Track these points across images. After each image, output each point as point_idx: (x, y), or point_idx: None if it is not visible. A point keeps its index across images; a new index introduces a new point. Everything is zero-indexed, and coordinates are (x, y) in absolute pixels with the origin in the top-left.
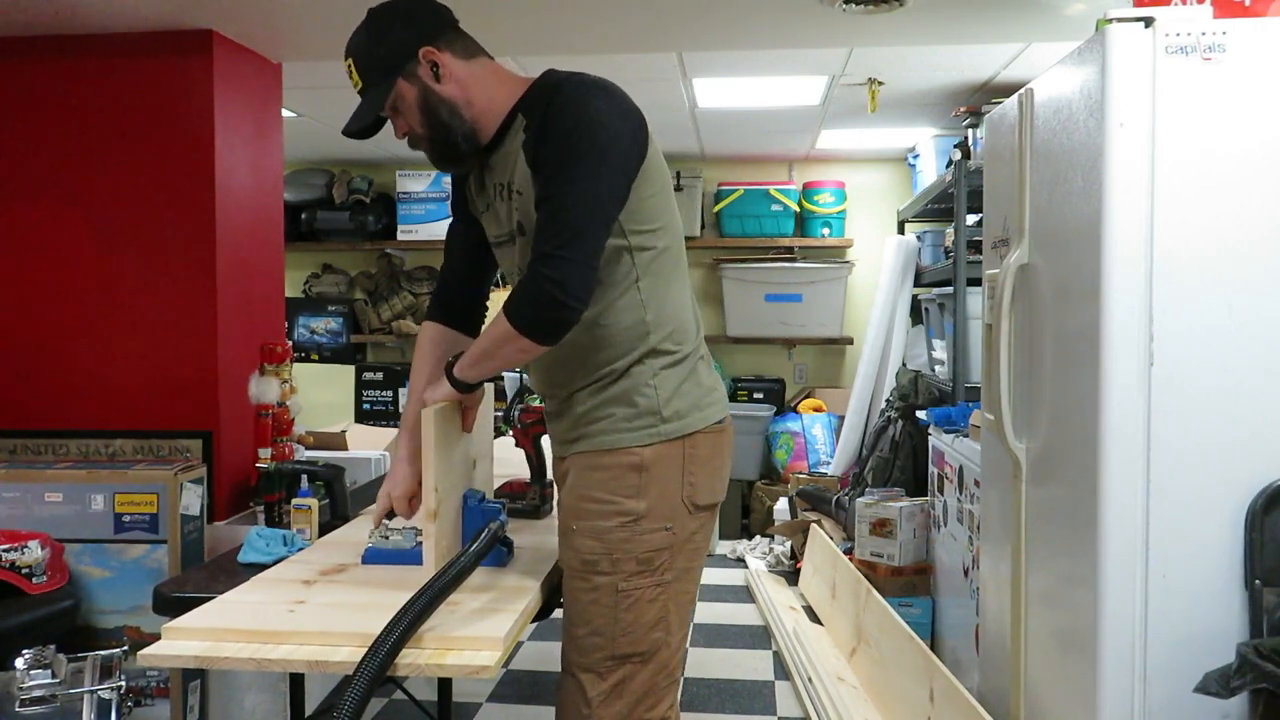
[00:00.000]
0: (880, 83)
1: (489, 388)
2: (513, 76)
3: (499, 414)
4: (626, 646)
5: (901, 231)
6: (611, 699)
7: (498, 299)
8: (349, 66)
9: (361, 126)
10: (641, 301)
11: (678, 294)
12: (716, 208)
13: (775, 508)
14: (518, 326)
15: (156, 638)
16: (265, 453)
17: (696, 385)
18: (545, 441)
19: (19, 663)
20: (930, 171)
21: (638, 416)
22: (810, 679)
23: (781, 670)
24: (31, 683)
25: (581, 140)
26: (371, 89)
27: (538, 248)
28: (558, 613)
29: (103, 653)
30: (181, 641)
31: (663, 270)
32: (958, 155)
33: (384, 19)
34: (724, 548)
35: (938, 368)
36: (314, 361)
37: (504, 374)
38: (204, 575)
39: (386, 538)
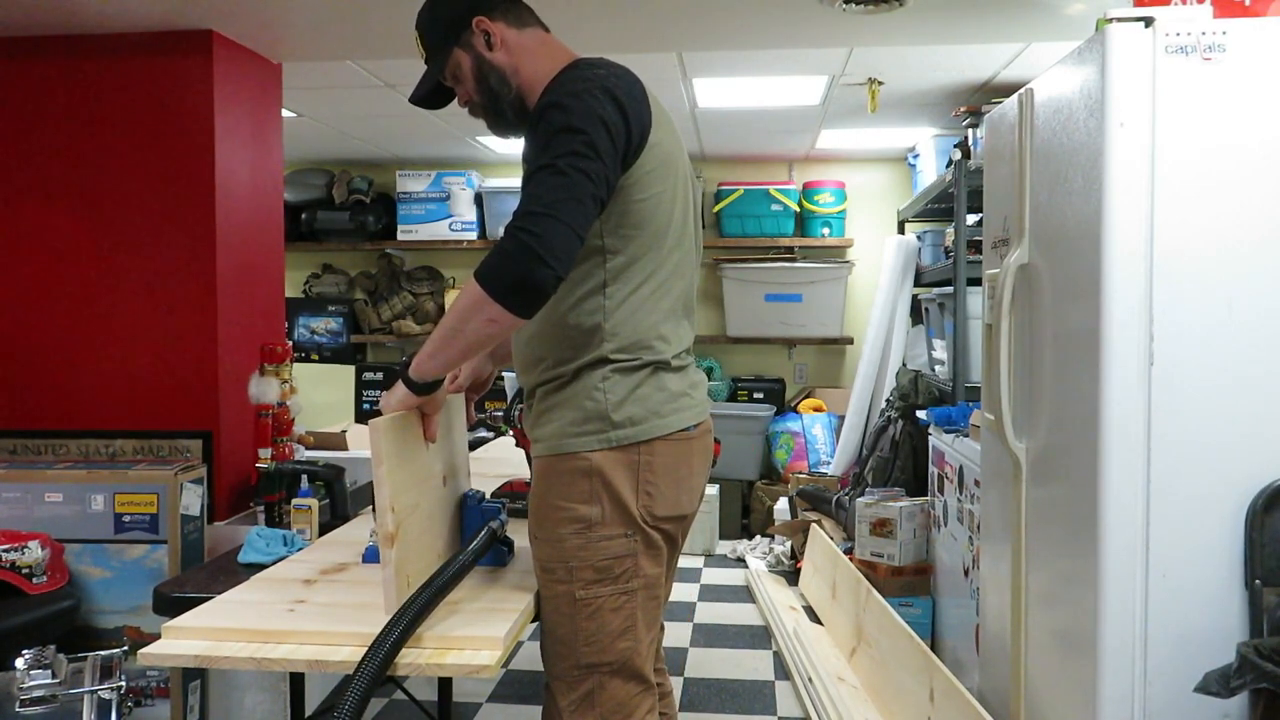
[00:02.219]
0: (880, 83)
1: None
2: (562, 51)
3: (498, 414)
4: (591, 656)
5: (901, 231)
6: (582, 710)
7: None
8: (416, 40)
9: (424, 94)
10: (603, 307)
11: (654, 305)
12: (716, 208)
13: (775, 508)
14: (490, 289)
15: (156, 638)
16: (265, 453)
17: (658, 390)
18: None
19: (19, 663)
20: (930, 171)
21: (586, 421)
22: (810, 679)
23: (781, 670)
24: (31, 683)
25: (573, 119)
26: (432, 59)
27: (521, 207)
28: (540, 605)
29: (103, 653)
30: (181, 641)
31: (636, 278)
32: (958, 155)
33: None
34: (724, 548)
35: (938, 368)
36: (314, 361)
37: (503, 373)
38: (204, 575)
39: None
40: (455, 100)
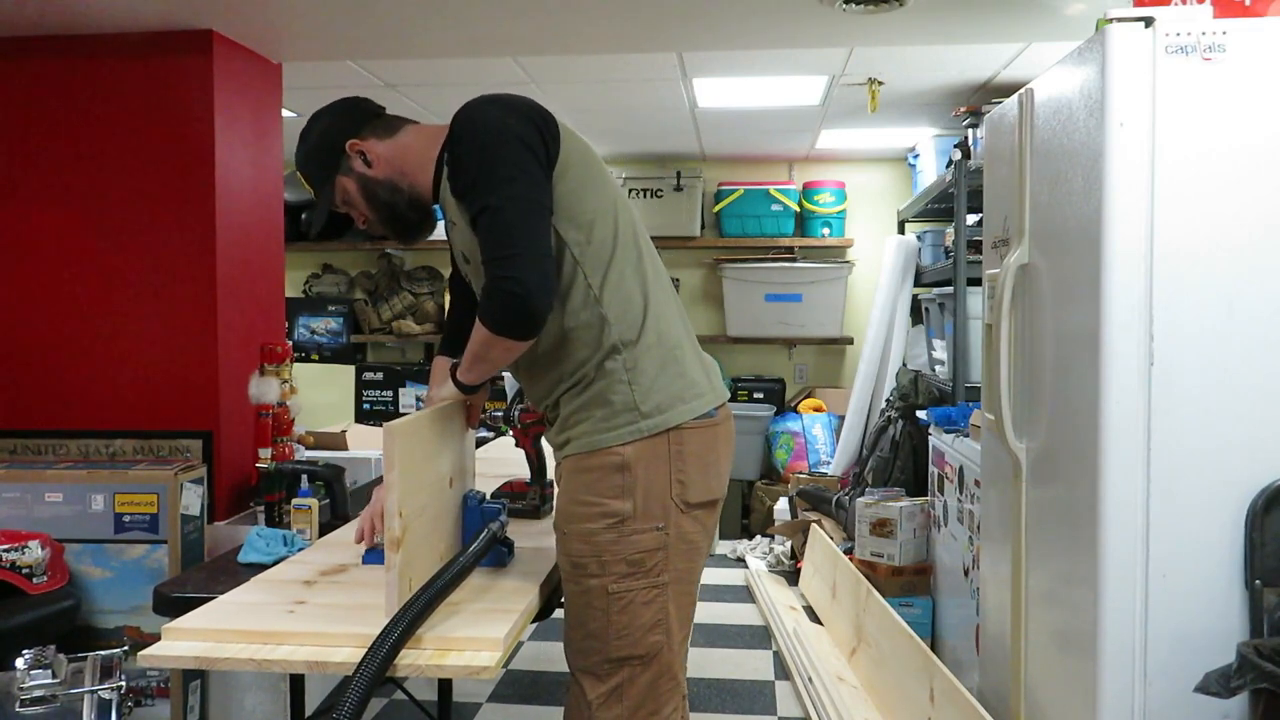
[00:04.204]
0: (880, 83)
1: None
2: (439, 129)
3: (498, 414)
4: (622, 649)
5: (901, 231)
6: (611, 702)
7: None
8: (299, 179)
9: (321, 227)
10: (595, 297)
11: (631, 282)
12: (716, 208)
13: (775, 508)
14: (491, 329)
15: (156, 638)
16: (265, 453)
17: (679, 378)
18: (545, 441)
19: (19, 663)
20: (930, 171)
21: (615, 415)
22: (810, 679)
23: (782, 670)
24: (31, 683)
25: (488, 147)
26: (319, 191)
27: (486, 255)
28: (558, 613)
29: (103, 653)
30: (181, 642)
31: (605, 261)
32: (958, 155)
33: (310, 129)
34: (724, 548)
35: (938, 368)
36: (314, 361)
37: (504, 374)
38: (204, 575)
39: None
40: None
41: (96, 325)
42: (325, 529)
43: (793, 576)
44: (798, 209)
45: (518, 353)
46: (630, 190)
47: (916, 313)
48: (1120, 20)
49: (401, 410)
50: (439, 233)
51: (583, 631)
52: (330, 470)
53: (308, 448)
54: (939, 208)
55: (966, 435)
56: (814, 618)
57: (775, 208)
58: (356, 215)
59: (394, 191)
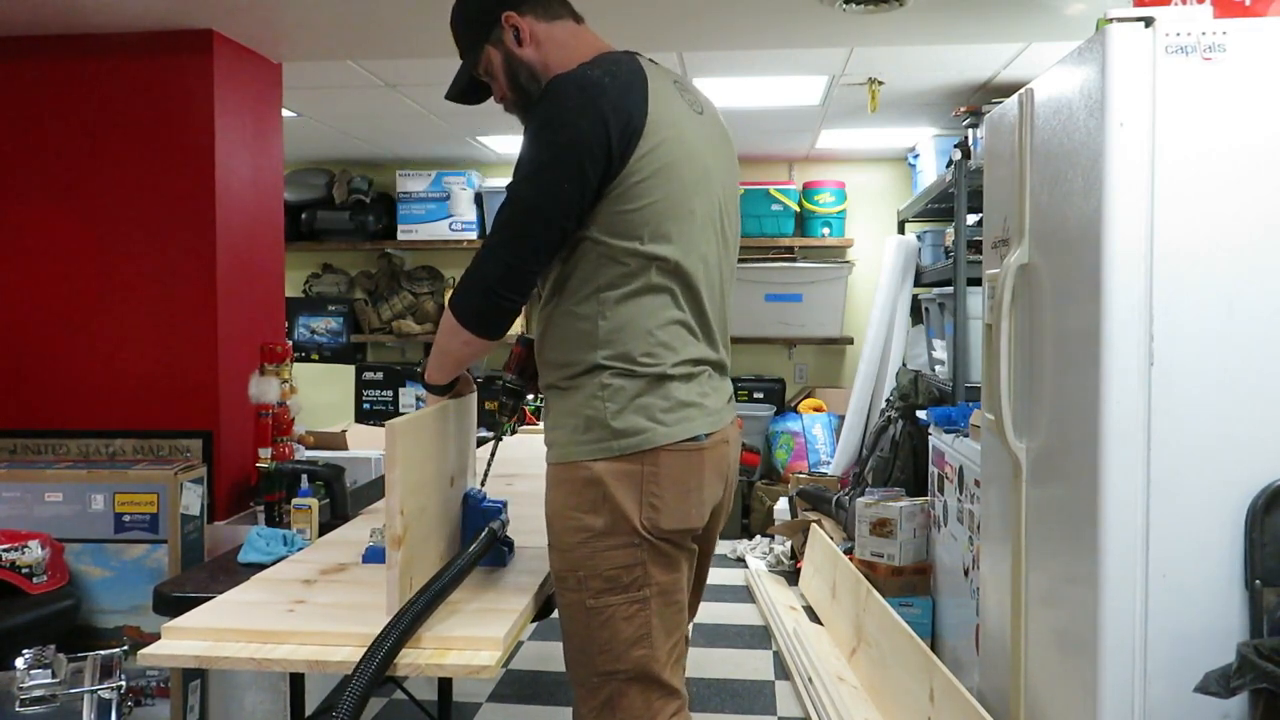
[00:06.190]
0: (880, 83)
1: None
2: (591, 44)
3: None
4: (607, 664)
5: (901, 231)
6: (604, 715)
7: None
8: (451, 36)
9: (459, 91)
10: (598, 311)
11: (652, 314)
12: None
13: (775, 507)
14: (455, 314)
15: (156, 638)
16: (265, 453)
17: (662, 399)
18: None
19: (19, 663)
20: (930, 171)
21: (587, 429)
22: (810, 679)
23: (781, 670)
24: (31, 683)
25: (545, 131)
26: (465, 55)
27: (486, 237)
28: (558, 612)
29: (103, 653)
30: (181, 641)
31: (627, 287)
32: (958, 155)
33: None
34: (724, 548)
35: (938, 368)
36: (314, 361)
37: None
38: (204, 575)
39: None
40: (492, 97)
41: (96, 325)
42: (325, 529)
43: (793, 576)
44: (798, 209)
45: (476, 354)
46: None
47: (916, 313)
48: (1120, 20)
49: (401, 410)
50: (435, 233)
51: (569, 645)
52: (330, 470)
53: (308, 447)
54: (939, 208)
55: (966, 435)
56: (814, 618)
57: (775, 208)
58: (495, 90)
59: (532, 79)
